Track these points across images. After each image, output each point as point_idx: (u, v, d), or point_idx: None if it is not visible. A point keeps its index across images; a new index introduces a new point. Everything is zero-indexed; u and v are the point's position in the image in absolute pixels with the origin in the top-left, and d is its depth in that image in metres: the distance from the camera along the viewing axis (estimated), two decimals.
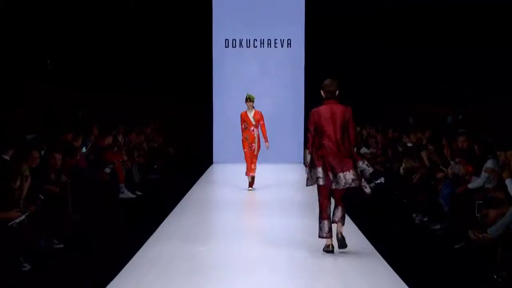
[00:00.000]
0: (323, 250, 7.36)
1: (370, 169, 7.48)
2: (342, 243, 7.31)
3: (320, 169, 7.20)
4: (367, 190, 7.33)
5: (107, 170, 10.87)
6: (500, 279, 6.36)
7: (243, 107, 12.27)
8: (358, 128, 14.25)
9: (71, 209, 8.58)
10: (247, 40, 17.21)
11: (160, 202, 11.28)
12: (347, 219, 7.71)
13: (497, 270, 6.47)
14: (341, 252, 7.34)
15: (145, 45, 17.62)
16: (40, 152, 8.39)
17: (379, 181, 12.06)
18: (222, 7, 17.28)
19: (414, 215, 9.51)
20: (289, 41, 17.21)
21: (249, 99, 12.10)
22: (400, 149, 12.41)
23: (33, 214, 7.15)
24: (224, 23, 17.22)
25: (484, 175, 8.35)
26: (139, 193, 11.58)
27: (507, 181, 7.67)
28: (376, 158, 13.12)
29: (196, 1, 17.41)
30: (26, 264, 6.64)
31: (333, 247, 7.33)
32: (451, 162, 9.45)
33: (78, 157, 10.04)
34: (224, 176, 14.82)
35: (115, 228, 9.10)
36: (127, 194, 11.27)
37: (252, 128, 12.12)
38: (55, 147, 8.99)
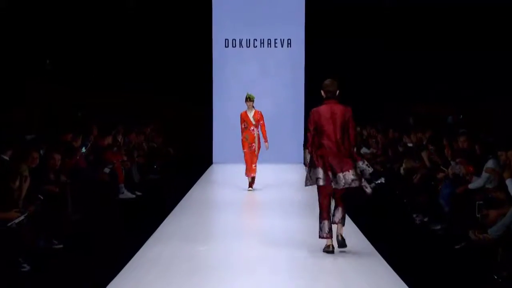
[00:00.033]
0: (323, 251, 7.36)
1: (370, 169, 7.48)
2: (342, 244, 7.34)
3: (320, 169, 7.19)
4: (368, 190, 7.33)
5: (107, 170, 10.85)
6: (500, 279, 6.35)
7: (243, 107, 12.25)
8: (358, 128, 14.24)
9: (71, 209, 8.56)
10: (247, 40, 17.21)
11: (160, 202, 11.26)
12: (347, 219, 7.71)
13: (498, 271, 6.46)
14: (341, 252, 7.35)
15: (145, 45, 17.58)
16: (39, 152, 8.38)
17: (379, 181, 12.06)
18: (222, 7, 17.27)
19: (414, 215, 9.50)
20: (289, 41, 17.21)
21: (249, 99, 12.08)
22: (400, 149, 12.39)
23: (33, 215, 7.13)
24: (224, 23, 17.22)
25: (484, 175, 8.33)
26: (138, 193, 11.57)
27: (508, 181, 7.65)
28: (376, 158, 13.11)
29: (196, 1, 17.40)
30: (25, 265, 6.62)
31: (333, 247, 7.32)
32: (452, 162, 9.44)
33: (78, 157, 10.04)
34: (224, 176, 14.80)
35: (115, 228, 9.09)
36: (126, 194, 11.26)
37: (252, 128, 12.10)
38: (55, 147, 8.99)
